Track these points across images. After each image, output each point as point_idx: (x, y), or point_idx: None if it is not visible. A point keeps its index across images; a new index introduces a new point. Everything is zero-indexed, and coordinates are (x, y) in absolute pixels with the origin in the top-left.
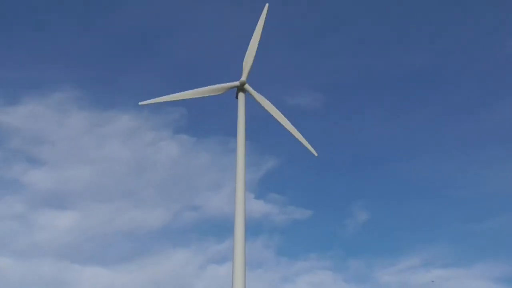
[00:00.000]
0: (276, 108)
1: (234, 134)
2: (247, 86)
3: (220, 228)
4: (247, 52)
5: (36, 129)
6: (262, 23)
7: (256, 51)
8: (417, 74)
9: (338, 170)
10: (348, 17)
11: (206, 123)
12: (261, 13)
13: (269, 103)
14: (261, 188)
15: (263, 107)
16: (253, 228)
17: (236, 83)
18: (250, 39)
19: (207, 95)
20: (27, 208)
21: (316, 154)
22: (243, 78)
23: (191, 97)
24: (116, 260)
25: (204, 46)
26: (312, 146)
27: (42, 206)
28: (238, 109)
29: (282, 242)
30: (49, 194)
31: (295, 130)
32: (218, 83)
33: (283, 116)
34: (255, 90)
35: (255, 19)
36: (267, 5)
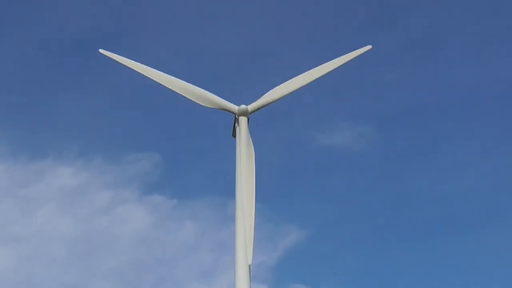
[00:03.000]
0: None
1: (234, 193)
2: (243, 119)
3: None
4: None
5: None
6: (344, 61)
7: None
8: None
9: (399, 245)
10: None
11: (192, 176)
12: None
13: (253, 155)
14: (278, 276)
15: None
16: None
17: (234, 107)
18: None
19: (191, 98)
20: None
21: (249, 263)
22: (248, 106)
23: (167, 86)
24: None
25: (180, 54)
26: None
27: None
28: (236, 153)
29: None
30: None
31: (252, 216)
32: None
33: (253, 183)
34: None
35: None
36: (369, 47)
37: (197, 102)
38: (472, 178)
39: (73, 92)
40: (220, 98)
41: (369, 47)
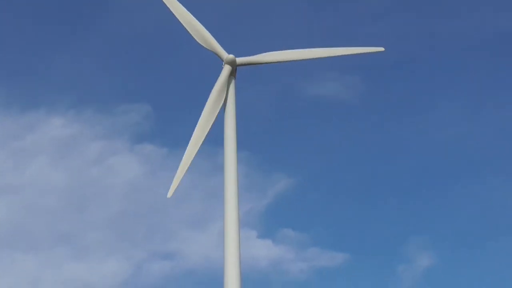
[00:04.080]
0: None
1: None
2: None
3: (206, 284)
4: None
5: None
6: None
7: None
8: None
9: (385, 193)
10: None
11: (181, 125)
12: None
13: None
14: (267, 222)
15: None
16: (258, 283)
17: (223, 53)
18: None
19: (189, 31)
20: None
21: (168, 196)
22: (237, 58)
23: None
24: None
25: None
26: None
27: None
28: (226, 103)
29: None
30: None
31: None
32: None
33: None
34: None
35: None
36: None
37: (194, 37)
38: (459, 128)
39: (65, 46)
40: (214, 40)
41: (381, 49)
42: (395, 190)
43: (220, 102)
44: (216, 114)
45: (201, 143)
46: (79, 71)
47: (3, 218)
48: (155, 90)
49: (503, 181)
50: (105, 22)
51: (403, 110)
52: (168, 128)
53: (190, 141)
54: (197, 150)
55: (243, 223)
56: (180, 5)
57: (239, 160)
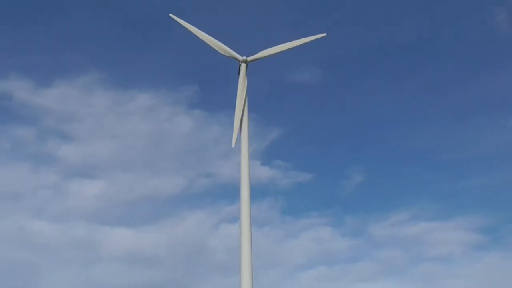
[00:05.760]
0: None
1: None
2: (243, 66)
3: (231, 192)
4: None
5: (66, 108)
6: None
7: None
8: (411, 46)
9: (337, 137)
10: None
11: (216, 98)
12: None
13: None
14: (266, 155)
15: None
16: (260, 191)
17: (239, 57)
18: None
19: (213, 47)
20: (60, 178)
21: (233, 145)
22: (248, 58)
23: (205, 40)
24: (140, 222)
25: (223, 22)
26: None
27: (73, 176)
28: (238, 83)
29: (286, 203)
30: (79, 165)
31: (238, 117)
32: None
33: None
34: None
35: None
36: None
37: (214, 47)
38: (383, 98)
39: (149, 48)
40: (228, 48)
41: (323, 34)
42: (342, 136)
43: (244, 89)
44: (245, 97)
45: (240, 116)
46: (157, 65)
47: (111, 152)
48: (201, 77)
49: (410, 127)
50: (172, 36)
51: (347, 87)
52: (208, 100)
53: (235, 115)
54: (239, 120)
55: (251, 156)
56: (196, 28)
57: (249, 118)
